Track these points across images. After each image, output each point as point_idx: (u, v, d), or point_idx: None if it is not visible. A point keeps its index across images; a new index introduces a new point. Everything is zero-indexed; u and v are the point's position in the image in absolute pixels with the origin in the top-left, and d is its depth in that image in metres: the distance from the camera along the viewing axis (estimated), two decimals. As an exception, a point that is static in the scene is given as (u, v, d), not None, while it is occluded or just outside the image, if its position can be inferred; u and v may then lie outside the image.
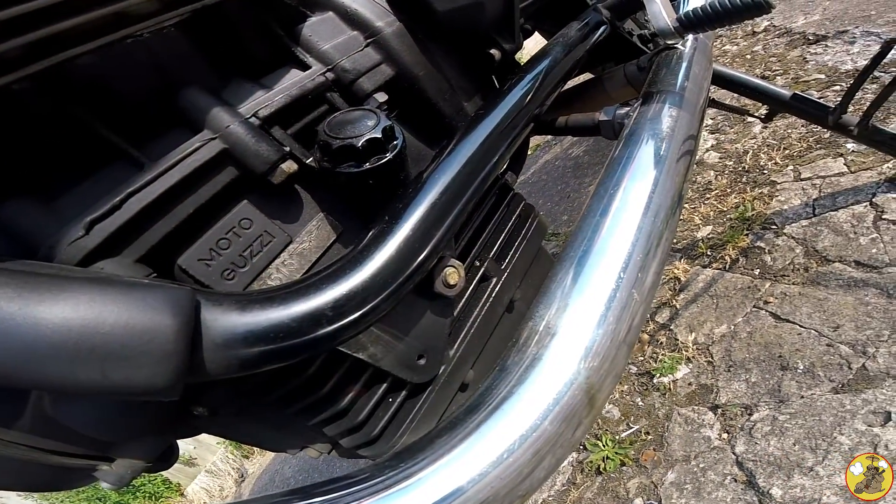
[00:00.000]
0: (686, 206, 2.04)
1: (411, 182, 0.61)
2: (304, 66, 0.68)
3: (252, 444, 0.77)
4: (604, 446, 1.53)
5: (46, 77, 0.46)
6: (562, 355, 0.41)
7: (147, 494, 6.41)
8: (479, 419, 0.38)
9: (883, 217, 1.45)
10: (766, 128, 2.08)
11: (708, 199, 1.98)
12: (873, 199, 1.51)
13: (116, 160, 0.51)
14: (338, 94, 0.69)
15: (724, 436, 1.31)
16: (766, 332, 1.44)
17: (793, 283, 1.49)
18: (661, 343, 1.68)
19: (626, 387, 1.66)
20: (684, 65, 0.89)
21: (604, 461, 1.51)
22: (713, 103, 1.53)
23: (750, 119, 2.18)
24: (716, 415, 1.37)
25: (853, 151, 1.70)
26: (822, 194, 1.64)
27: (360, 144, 0.56)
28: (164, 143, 0.52)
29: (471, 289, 0.77)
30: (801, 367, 1.29)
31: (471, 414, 0.39)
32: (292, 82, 0.64)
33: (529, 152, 4.15)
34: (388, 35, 0.74)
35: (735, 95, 1.65)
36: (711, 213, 1.93)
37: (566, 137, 3.53)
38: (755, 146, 2.04)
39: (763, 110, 1.52)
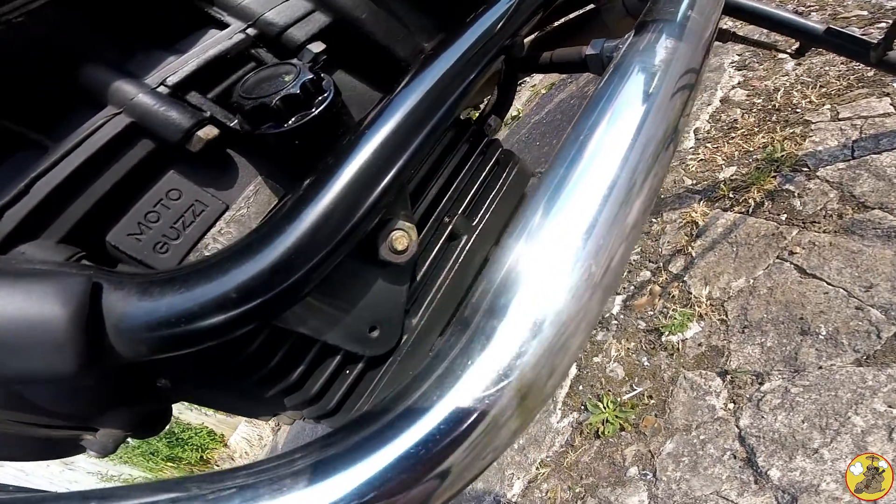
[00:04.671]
0: (707, 145, 1.87)
1: (345, 134, 0.56)
2: (223, 25, 0.64)
3: (225, 412, 0.78)
4: (605, 408, 1.47)
5: None
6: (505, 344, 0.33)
7: (195, 446, 6.99)
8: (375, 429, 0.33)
9: (934, 161, 1.28)
10: (799, 64, 1.85)
11: (732, 138, 1.80)
12: (924, 141, 1.33)
13: (18, 148, 0.51)
14: (264, 49, 0.64)
15: (730, 406, 1.23)
16: (788, 288, 1.32)
17: (823, 232, 1.35)
18: (673, 297, 1.57)
19: (632, 344, 1.57)
20: (690, -7, 0.75)
21: (603, 424, 1.45)
22: (739, 39, 1.34)
23: (781, 55, 1.95)
24: (724, 381, 1.28)
25: (904, 89, 1.50)
26: (863, 136, 1.45)
27: (273, 103, 0.52)
28: (69, 124, 0.52)
29: (436, 250, 0.71)
30: (824, 333, 1.18)
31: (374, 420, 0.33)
32: (209, 43, 0.61)
33: (544, 91, 3.89)
34: None
35: (763, 31, 1.45)
36: (736, 152, 1.75)
37: (583, 75, 3.29)
38: (787, 84, 1.82)
39: (792, 48, 1.33)
